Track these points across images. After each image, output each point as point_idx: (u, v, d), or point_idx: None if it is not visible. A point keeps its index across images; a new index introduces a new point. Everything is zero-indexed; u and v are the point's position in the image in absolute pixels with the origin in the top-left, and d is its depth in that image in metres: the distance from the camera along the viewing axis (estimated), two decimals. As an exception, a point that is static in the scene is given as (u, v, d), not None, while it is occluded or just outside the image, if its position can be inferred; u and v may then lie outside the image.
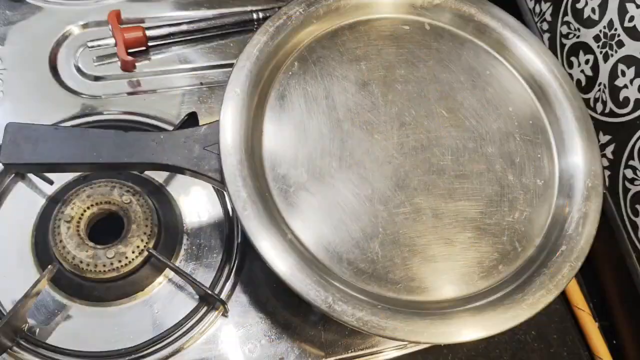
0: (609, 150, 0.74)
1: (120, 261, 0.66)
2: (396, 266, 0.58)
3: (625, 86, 0.71)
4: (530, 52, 0.71)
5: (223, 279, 0.71)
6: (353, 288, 0.56)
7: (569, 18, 0.80)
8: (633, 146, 0.70)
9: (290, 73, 0.65)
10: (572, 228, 0.62)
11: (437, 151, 0.64)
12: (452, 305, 0.58)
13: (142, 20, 0.86)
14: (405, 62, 0.68)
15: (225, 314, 0.69)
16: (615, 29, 0.72)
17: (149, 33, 0.83)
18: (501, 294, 0.58)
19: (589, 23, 0.76)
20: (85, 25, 0.85)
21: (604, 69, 0.75)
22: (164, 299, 0.69)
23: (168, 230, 0.72)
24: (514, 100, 0.68)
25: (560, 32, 0.82)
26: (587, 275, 0.80)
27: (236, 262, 0.72)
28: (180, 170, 0.62)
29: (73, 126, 0.76)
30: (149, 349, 0.66)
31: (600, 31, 0.74)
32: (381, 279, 0.57)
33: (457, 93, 0.67)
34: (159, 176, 0.75)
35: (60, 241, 0.66)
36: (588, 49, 0.77)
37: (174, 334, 0.67)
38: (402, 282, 0.58)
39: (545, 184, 0.65)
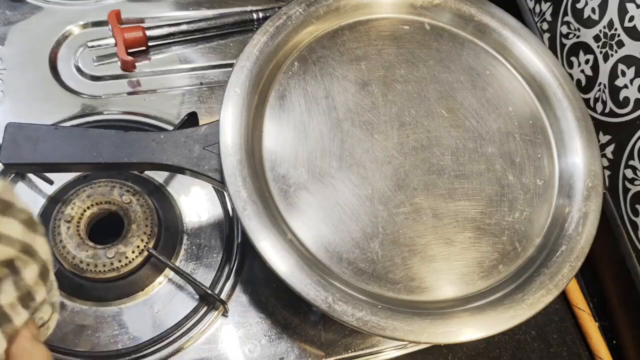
0: (609, 150, 0.74)
1: (120, 261, 0.66)
2: (396, 266, 0.58)
3: (625, 86, 0.71)
4: (530, 52, 0.71)
5: (223, 279, 0.71)
6: (353, 288, 0.56)
7: (569, 18, 0.80)
8: (633, 146, 0.70)
9: (290, 73, 0.65)
10: (572, 228, 0.62)
11: (437, 151, 0.64)
12: (451, 305, 0.58)
13: (142, 20, 0.86)
14: (405, 62, 0.68)
15: (225, 314, 0.69)
16: (615, 29, 0.72)
17: (149, 33, 0.82)
18: (501, 294, 0.58)
19: (589, 23, 0.76)
20: (85, 25, 0.85)
21: (604, 68, 0.75)
22: (164, 299, 0.69)
23: (168, 230, 0.72)
24: (514, 100, 0.68)
25: (560, 32, 0.82)
26: (587, 275, 0.80)
27: (236, 262, 0.72)
28: (181, 170, 0.62)
29: (73, 126, 0.76)
30: (149, 349, 0.66)
31: (600, 31, 0.74)
32: (381, 279, 0.57)
33: (457, 93, 0.67)
34: (159, 176, 0.75)
35: (60, 241, 0.66)
36: (588, 49, 0.77)
37: (174, 334, 0.67)
38: (402, 282, 0.58)
39: (545, 183, 0.65)
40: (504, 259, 0.60)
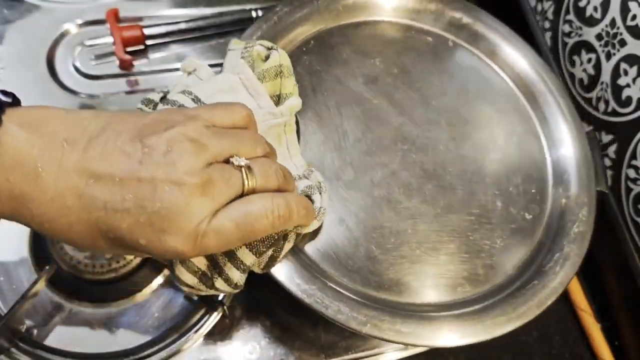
0: (611, 150, 0.74)
1: (118, 262, 0.66)
2: (387, 271, 0.58)
3: (628, 85, 0.71)
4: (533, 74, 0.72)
5: (222, 280, 0.70)
6: (350, 291, 0.56)
7: (571, 17, 0.80)
8: (636, 146, 0.70)
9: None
10: (549, 266, 0.61)
11: (437, 167, 0.63)
12: (436, 309, 0.58)
13: (140, 19, 0.86)
14: (407, 71, 0.68)
15: (224, 315, 0.68)
16: (618, 28, 0.72)
17: (147, 31, 0.82)
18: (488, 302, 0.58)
19: (591, 21, 0.76)
20: (83, 24, 0.84)
21: (606, 67, 0.74)
22: (162, 300, 0.68)
23: (167, 231, 0.71)
24: (519, 133, 0.69)
25: (562, 30, 0.82)
26: (589, 276, 0.79)
27: (235, 262, 0.71)
28: (179, 170, 0.61)
29: (71, 126, 0.76)
30: (147, 350, 0.66)
31: (603, 30, 0.74)
32: (377, 285, 0.57)
33: (461, 107, 0.67)
34: (157, 176, 0.75)
35: (58, 242, 0.66)
36: (590, 48, 0.77)
37: (172, 335, 0.67)
38: (392, 286, 0.58)
39: (533, 219, 0.64)
40: (471, 281, 0.60)
